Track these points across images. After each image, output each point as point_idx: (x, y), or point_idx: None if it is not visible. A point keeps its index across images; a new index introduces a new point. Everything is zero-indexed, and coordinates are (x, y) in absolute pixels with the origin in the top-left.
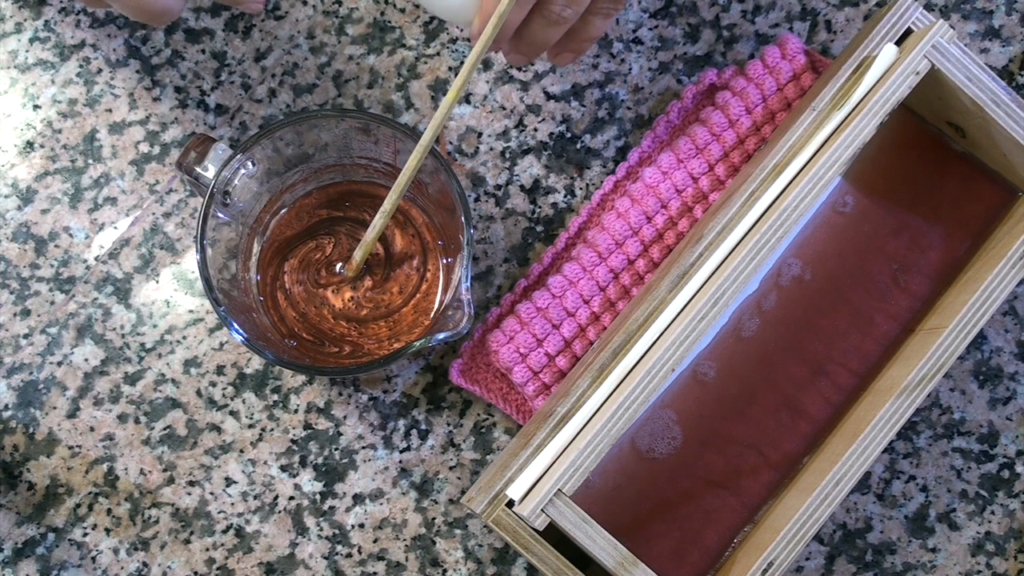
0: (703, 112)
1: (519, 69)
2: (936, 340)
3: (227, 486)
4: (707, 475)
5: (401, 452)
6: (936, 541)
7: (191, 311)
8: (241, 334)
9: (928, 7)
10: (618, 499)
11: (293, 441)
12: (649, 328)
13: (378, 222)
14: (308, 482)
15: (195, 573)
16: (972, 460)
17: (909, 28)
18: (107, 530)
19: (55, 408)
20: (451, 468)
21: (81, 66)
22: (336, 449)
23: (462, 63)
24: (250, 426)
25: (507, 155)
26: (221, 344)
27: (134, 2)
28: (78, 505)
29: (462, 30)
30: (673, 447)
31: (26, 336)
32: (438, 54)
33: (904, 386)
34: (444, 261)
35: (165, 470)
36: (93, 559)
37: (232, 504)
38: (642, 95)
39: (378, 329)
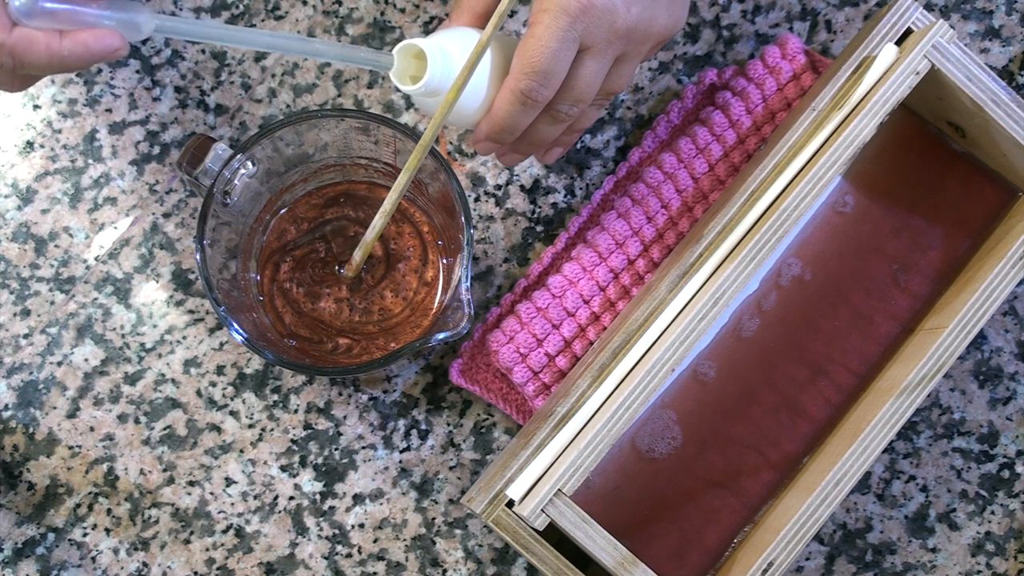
0: (703, 112)
1: None
2: (936, 340)
3: (227, 486)
4: (707, 475)
5: (401, 452)
6: (936, 541)
7: (191, 311)
8: (241, 334)
9: (928, 7)
10: (618, 499)
11: (293, 441)
12: (649, 328)
13: (378, 222)
14: (308, 482)
15: (195, 573)
16: (972, 460)
17: (909, 28)
18: (107, 530)
19: (55, 408)
20: (451, 468)
21: None
22: (336, 449)
23: None
24: (250, 426)
25: None
26: (221, 344)
27: (79, 57)
28: (78, 505)
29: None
30: (673, 447)
31: (26, 336)
32: None
33: (904, 386)
34: (444, 261)
35: (165, 470)
36: (93, 559)
37: (232, 504)
38: (642, 95)
39: (377, 329)
